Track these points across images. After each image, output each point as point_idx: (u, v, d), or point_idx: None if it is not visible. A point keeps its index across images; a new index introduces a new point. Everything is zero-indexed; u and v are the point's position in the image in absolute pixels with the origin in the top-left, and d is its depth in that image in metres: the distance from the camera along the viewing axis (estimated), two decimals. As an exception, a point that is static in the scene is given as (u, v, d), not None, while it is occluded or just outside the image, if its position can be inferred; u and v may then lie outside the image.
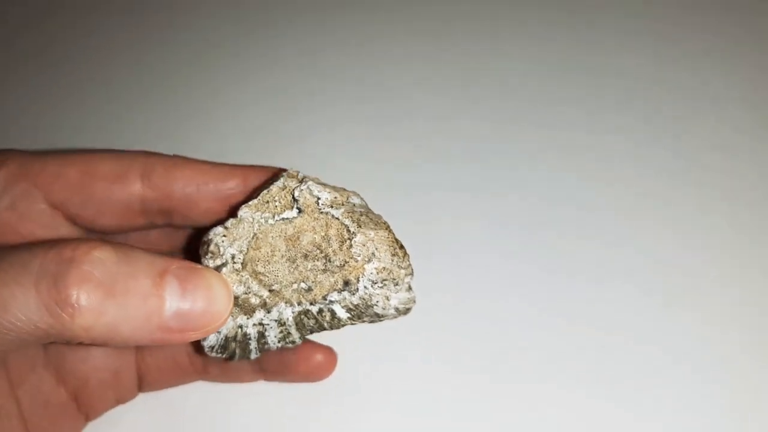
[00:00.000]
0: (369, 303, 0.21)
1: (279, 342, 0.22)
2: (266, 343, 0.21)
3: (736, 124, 0.35)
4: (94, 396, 0.25)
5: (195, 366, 0.26)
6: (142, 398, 0.27)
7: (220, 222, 0.22)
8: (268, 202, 0.22)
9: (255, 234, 0.21)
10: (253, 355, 0.22)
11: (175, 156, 0.23)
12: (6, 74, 0.40)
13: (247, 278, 0.21)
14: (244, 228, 0.21)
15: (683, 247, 0.31)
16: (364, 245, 0.21)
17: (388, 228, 0.22)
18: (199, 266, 0.19)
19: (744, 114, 0.36)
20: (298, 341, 0.22)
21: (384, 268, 0.21)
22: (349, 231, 0.21)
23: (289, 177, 0.22)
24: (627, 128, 0.35)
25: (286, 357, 0.26)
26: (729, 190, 0.33)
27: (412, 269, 0.22)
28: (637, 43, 0.39)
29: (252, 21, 0.41)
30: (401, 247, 0.22)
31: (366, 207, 0.23)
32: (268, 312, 0.21)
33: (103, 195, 0.22)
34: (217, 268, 0.21)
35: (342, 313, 0.21)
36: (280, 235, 0.21)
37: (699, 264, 0.30)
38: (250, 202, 0.22)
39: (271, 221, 0.21)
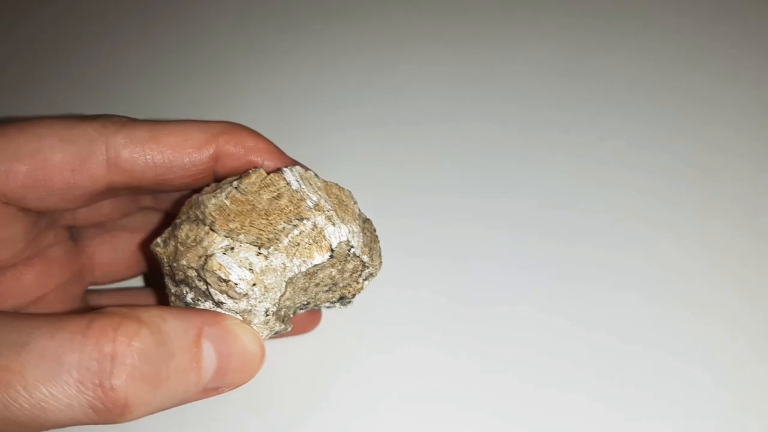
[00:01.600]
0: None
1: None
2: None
3: (739, 128, 0.35)
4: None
5: None
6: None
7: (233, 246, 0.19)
8: (298, 244, 0.20)
9: (287, 283, 0.20)
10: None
11: (140, 125, 0.21)
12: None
13: (274, 323, 0.20)
14: (275, 278, 0.19)
15: (689, 251, 0.31)
16: (369, 270, 0.22)
17: (374, 230, 0.23)
18: (230, 323, 0.19)
19: (747, 117, 0.36)
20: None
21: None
22: (364, 265, 0.21)
23: (317, 209, 0.20)
24: (632, 133, 0.35)
25: None
26: (734, 194, 0.33)
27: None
28: (644, 47, 0.39)
29: (252, 21, 0.41)
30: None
31: (360, 212, 0.22)
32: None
33: (64, 186, 0.20)
34: (244, 312, 0.20)
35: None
36: (306, 273, 0.20)
37: (706, 268, 0.30)
38: (279, 243, 0.19)
39: (303, 268, 0.20)
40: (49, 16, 0.41)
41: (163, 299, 0.25)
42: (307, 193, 0.20)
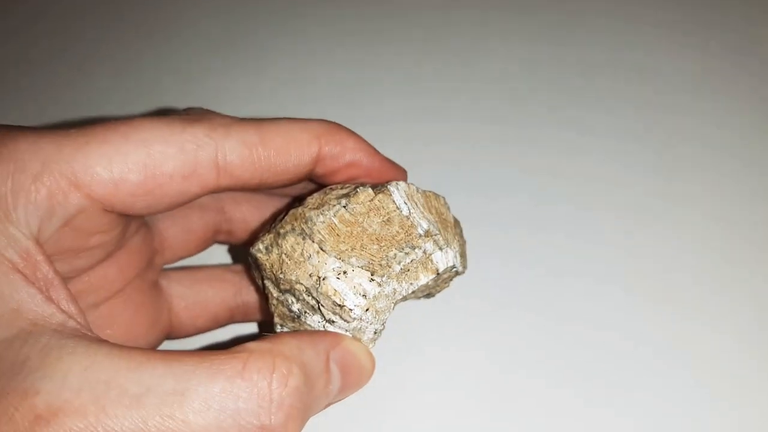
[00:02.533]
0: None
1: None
2: None
3: (734, 127, 0.36)
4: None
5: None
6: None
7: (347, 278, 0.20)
8: (408, 270, 0.20)
9: (394, 304, 0.21)
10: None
11: (247, 126, 0.20)
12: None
13: (379, 336, 0.22)
14: (387, 302, 0.20)
15: (688, 251, 0.31)
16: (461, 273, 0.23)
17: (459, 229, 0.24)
18: (348, 343, 0.20)
19: (742, 115, 0.36)
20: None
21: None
22: (457, 273, 0.22)
23: (426, 236, 0.21)
24: (629, 132, 0.35)
25: None
26: (730, 194, 0.33)
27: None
28: (642, 47, 0.39)
29: (251, 22, 0.40)
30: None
31: (453, 217, 0.23)
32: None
33: (174, 195, 0.20)
34: (354, 330, 0.21)
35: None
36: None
37: (706, 269, 0.31)
38: (392, 270, 0.20)
39: (411, 290, 0.20)
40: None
41: (257, 290, 0.26)
42: (417, 219, 0.21)
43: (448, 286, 0.24)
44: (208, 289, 0.26)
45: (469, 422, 0.27)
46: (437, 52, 0.39)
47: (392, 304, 0.20)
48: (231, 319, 0.26)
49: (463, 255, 0.23)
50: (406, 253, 0.20)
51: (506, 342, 0.29)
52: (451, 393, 0.28)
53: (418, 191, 0.22)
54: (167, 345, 0.26)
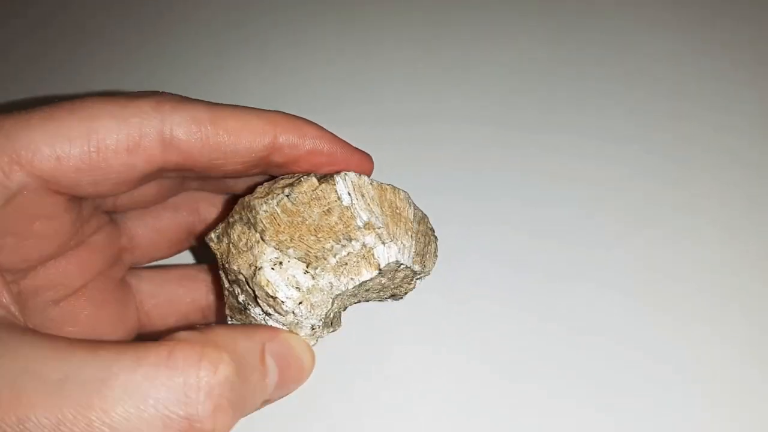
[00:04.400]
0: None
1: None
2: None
3: (731, 129, 0.35)
4: None
5: None
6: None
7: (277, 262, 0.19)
8: (346, 263, 0.19)
9: (333, 300, 0.20)
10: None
11: (196, 105, 0.20)
12: None
13: (321, 333, 0.21)
14: (321, 296, 0.19)
15: (688, 253, 0.31)
16: (422, 276, 0.22)
17: (430, 231, 0.22)
18: (285, 336, 0.19)
19: (739, 117, 0.35)
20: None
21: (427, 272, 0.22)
22: (414, 273, 0.21)
23: (366, 228, 0.20)
24: (626, 135, 0.35)
25: None
26: (727, 196, 0.33)
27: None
28: (639, 47, 0.39)
29: (251, 21, 0.41)
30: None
31: (416, 217, 0.22)
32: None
33: (119, 169, 0.19)
34: (291, 325, 0.20)
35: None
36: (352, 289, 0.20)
37: (705, 272, 0.30)
38: (327, 263, 0.19)
39: (350, 285, 0.19)
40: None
41: (215, 284, 0.25)
42: (358, 210, 0.20)
43: (413, 287, 0.23)
44: (179, 287, 0.25)
45: (469, 423, 0.27)
46: (437, 52, 0.39)
47: (330, 300, 0.19)
48: (204, 319, 0.26)
49: (421, 254, 0.21)
50: (343, 245, 0.19)
51: (498, 345, 0.28)
52: (441, 396, 0.27)
53: (371, 183, 0.21)
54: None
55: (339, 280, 0.19)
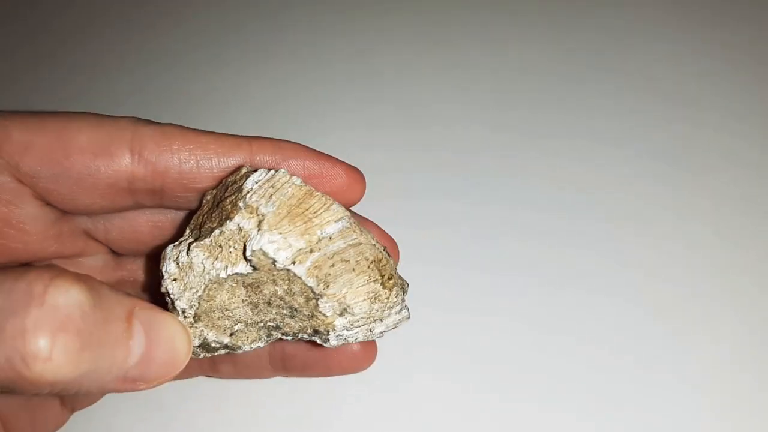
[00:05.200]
0: (348, 340, 0.20)
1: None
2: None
3: (729, 131, 0.34)
4: None
5: (200, 363, 0.24)
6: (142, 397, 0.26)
7: (173, 241, 0.19)
8: (221, 246, 0.18)
9: (207, 286, 0.18)
10: (245, 348, 0.20)
11: (169, 125, 0.20)
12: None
13: (202, 330, 0.19)
14: (195, 277, 0.18)
15: (686, 258, 0.30)
16: (331, 304, 0.19)
17: (372, 265, 0.19)
18: (162, 312, 0.18)
19: (737, 120, 0.35)
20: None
21: (359, 318, 0.19)
22: (313, 292, 0.19)
23: (247, 210, 0.18)
24: (626, 136, 0.35)
25: (313, 353, 0.24)
26: (725, 199, 0.32)
27: (402, 299, 0.20)
28: (638, 47, 0.38)
29: (251, 21, 0.41)
30: (387, 282, 0.19)
31: (347, 239, 0.19)
32: (233, 350, 0.20)
33: (83, 170, 0.19)
34: (169, 304, 0.19)
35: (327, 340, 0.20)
36: (237, 282, 0.19)
37: (705, 275, 0.30)
38: (202, 242, 0.18)
39: (223, 274, 0.18)
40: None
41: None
42: (254, 197, 0.19)
43: (330, 321, 0.19)
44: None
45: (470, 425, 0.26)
46: (437, 52, 0.39)
47: (203, 285, 0.18)
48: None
49: (327, 273, 0.19)
50: (220, 224, 0.19)
51: (497, 347, 0.28)
52: (441, 405, 0.27)
53: (300, 186, 0.19)
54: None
55: (213, 264, 0.18)
